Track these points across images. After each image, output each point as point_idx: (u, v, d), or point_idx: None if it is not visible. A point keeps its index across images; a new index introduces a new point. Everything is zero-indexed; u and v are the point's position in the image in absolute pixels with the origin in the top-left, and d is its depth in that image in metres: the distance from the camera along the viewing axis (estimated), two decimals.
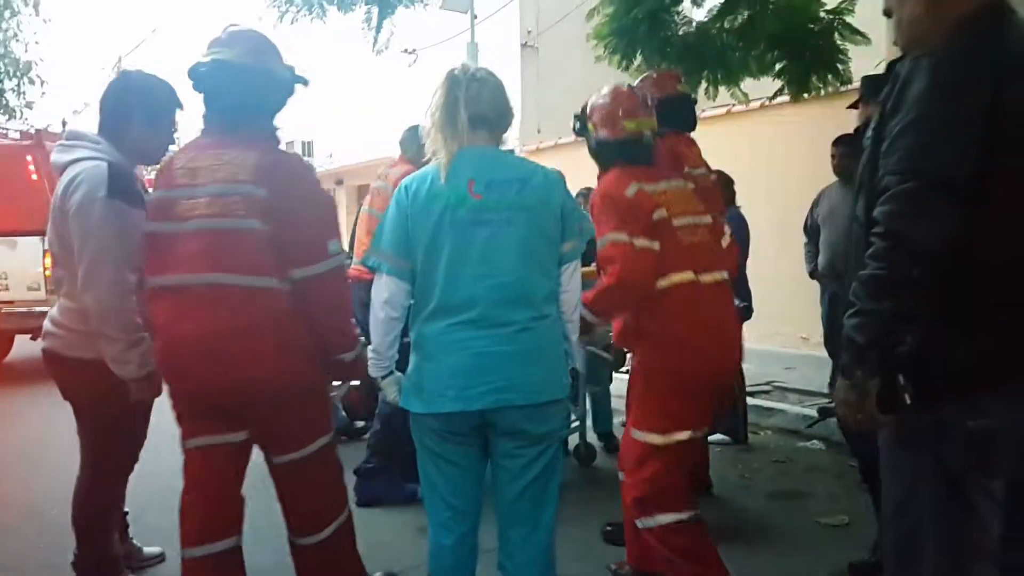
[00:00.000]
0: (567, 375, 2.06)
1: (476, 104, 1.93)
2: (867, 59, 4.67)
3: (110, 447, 2.46)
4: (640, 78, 3.10)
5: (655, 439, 2.43)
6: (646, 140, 2.54)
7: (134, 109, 2.43)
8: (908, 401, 1.36)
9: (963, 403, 1.38)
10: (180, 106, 2.51)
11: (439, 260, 1.87)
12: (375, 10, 4.56)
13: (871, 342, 1.35)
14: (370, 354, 2.03)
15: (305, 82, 2.21)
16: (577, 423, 4.18)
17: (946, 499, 1.43)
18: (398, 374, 2.04)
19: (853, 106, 3.03)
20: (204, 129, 2.13)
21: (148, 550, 2.83)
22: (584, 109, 2.66)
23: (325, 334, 2.11)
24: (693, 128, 3.10)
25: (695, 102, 3.08)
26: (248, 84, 2.05)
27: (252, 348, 1.98)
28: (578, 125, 2.83)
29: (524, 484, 1.92)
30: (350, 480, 3.50)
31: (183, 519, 2.11)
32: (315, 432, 2.16)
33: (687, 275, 2.41)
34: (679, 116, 2.99)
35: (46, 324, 2.43)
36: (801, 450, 4.36)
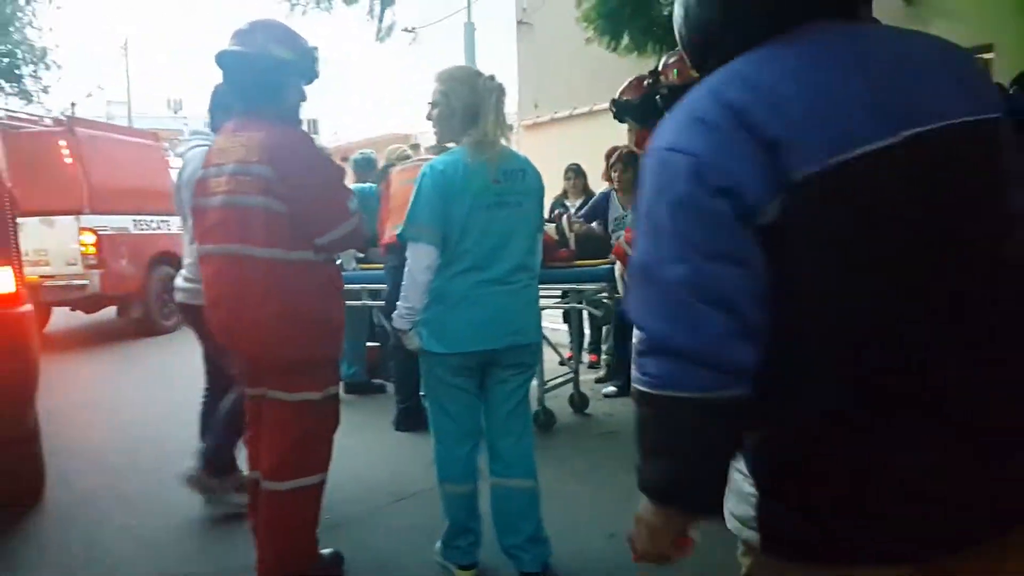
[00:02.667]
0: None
1: (498, 111, 2.36)
2: None
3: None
4: (668, 56, 3.00)
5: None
6: None
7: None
8: None
9: None
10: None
11: (471, 231, 2.28)
12: (377, 1, 4.91)
13: None
14: (404, 310, 2.35)
15: (317, 72, 2.41)
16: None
17: None
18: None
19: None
20: (233, 112, 2.40)
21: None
22: (620, 94, 3.12)
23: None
24: None
25: None
26: (259, 71, 2.25)
27: (257, 316, 2.21)
28: (615, 110, 3.28)
29: (515, 401, 2.45)
30: (387, 429, 4.09)
31: (247, 449, 2.48)
32: (308, 385, 2.30)
33: None
34: None
35: (177, 281, 3.03)
36: None
